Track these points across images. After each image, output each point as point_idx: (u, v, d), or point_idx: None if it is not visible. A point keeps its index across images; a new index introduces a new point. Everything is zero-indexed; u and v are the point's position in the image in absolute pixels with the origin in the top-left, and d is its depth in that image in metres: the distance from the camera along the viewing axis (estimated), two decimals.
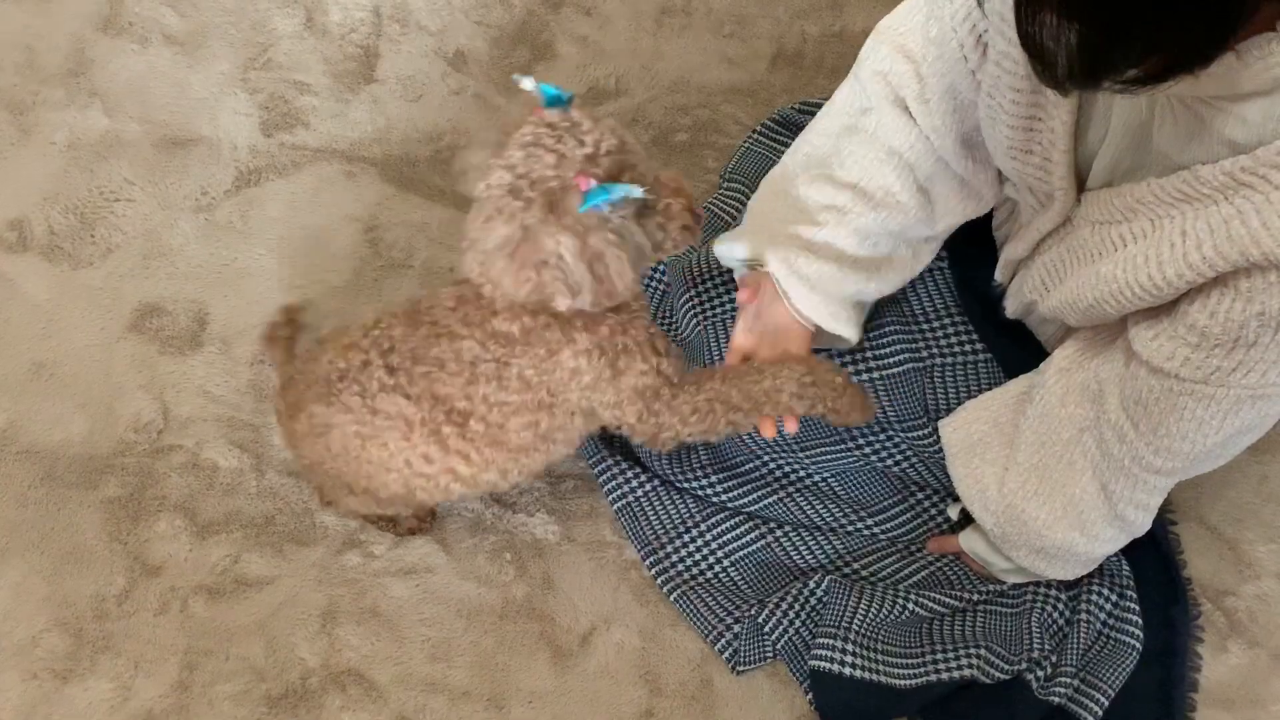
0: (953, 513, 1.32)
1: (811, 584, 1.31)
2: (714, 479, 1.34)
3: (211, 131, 1.62)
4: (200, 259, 1.54)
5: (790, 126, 1.55)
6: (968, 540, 1.28)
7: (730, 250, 1.20)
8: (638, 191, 0.95)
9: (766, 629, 1.29)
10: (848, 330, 1.17)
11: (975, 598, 1.29)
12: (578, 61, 1.67)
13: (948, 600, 1.29)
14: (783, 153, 1.53)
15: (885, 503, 1.35)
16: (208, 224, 1.56)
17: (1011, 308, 1.21)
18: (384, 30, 1.70)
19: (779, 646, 1.30)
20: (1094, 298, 0.93)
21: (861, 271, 1.15)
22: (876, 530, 1.34)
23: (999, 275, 1.21)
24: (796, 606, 1.30)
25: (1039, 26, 0.65)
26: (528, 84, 0.98)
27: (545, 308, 1.02)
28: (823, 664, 1.26)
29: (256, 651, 1.32)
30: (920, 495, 1.34)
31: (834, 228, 1.13)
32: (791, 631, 1.30)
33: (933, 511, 1.35)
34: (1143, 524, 1.10)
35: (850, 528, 1.34)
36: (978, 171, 1.12)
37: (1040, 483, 1.10)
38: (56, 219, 1.55)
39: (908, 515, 1.35)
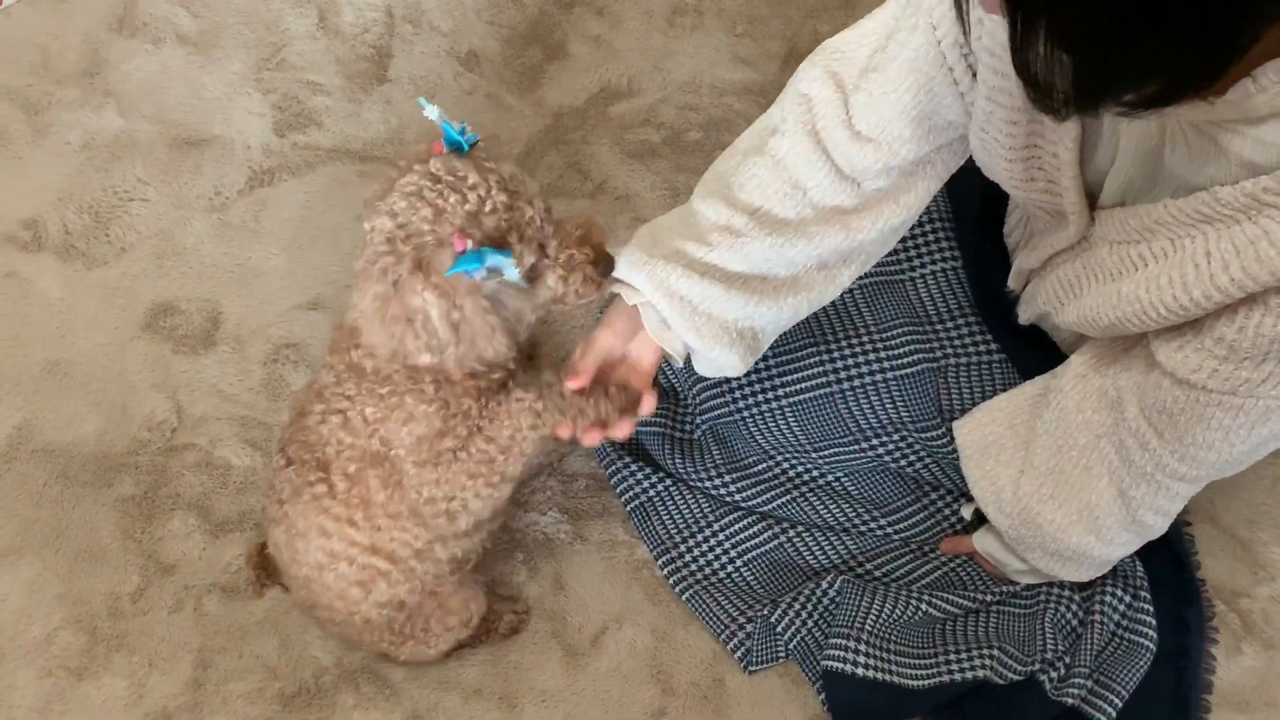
0: (966, 513, 1.32)
1: (824, 584, 1.31)
2: (727, 479, 1.34)
3: (225, 131, 1.62)
4: (214, 258, 1.54)
5: None
6: (981, 541, 1.27)
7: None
8: (512, 271, 0.93)
9: (779, 629, 1.29)
10: (729, 356, 1.09)
11: (988, 598, 1.29)
12: (589, 61, 1.67)
13: (961, 601, 1.29)
14: None
15: (899, 502, 1.34)
16: (221, 224, 1.56)
17: (1025, 315, 1.20)
18: (397, 30, 1.70)
19: (791, 646, 1.30)
20: (1115, 317, 0.92)
21: (752, 294, 1.06)
22: (890, 530, 1.34)
23: (1012, 283, 1.21)
24: (809, 606, 1.30)
25: (1032, 56, 0.64)
26: (431, 113, 0.96)
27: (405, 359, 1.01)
28: (835, 664, 1.26)
29: (270, 650, 1.32)
30: (934, 495, 1.34)
31: (724, 250, 1.05)
32: (804, 631, 1.30)
33: (946, 512, 1.34)
34: (1160, 528, 1.09)
35: (864, 527, 1.34)
36: (916, 189, 1.06)
37: (1056, 486, 1.10)
38: (71, 218, 1.56)
39: (921, 515, 1.34)
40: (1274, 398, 0.86)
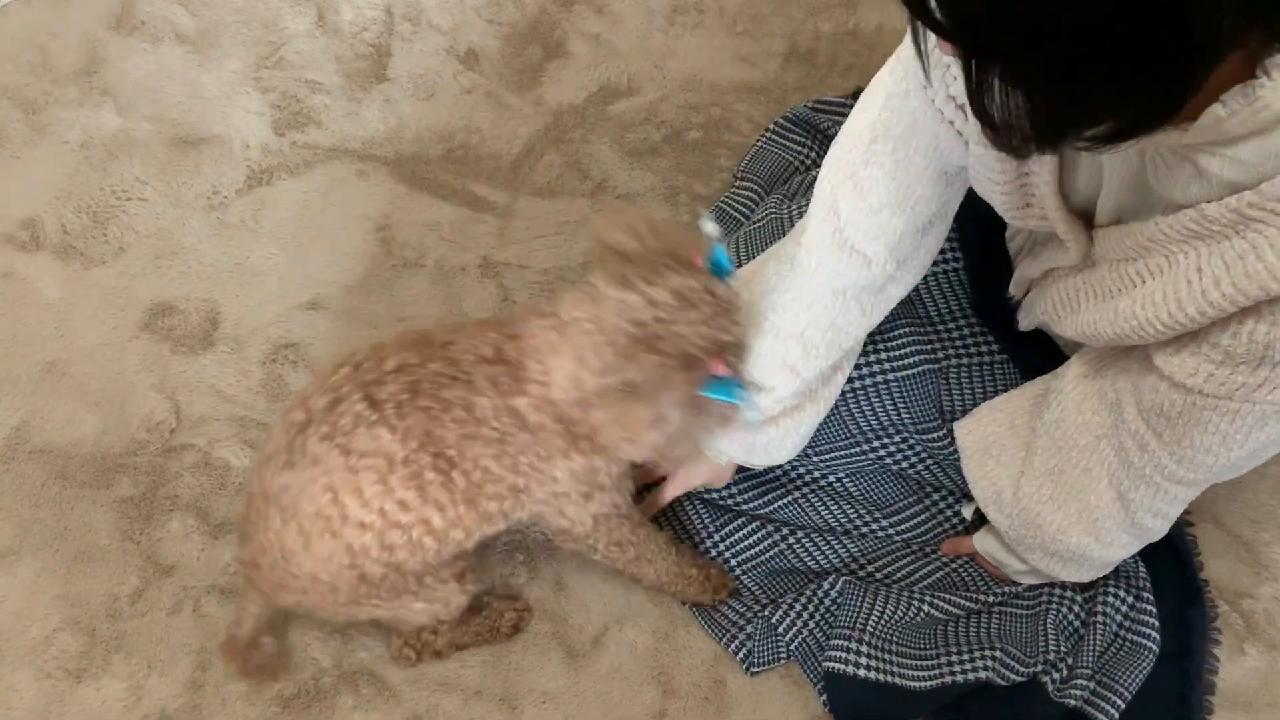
0: (967, 513, 1.31)
1: (825, 585, 1.30)
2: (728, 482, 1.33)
3: (223, 130, 1.62)
4: (212, 258, 1.54)
5: (803, 125, 1.55)
6: (982, 541, 1.27)
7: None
8: (753, 415, 0.99)
9: (780, 630, 1.29)
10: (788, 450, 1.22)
11: (990, 599, 1.28)
12: (589, 60, 1.67)
13: (962, 602, 1.28)
14: (795, 151, 1.53)
15: (900, 504, 1.34)
16: (220, 223, 1.56)
17: (1025, 322, 1.19)
18: (396, 29, 1.69)
19: (793, 647, 1.29)
20: (1114, 334, 0.92)
21: (818, 401, 1.19)
22: (891, 531, 1.34)
23: (1013, 289, 1.20)
24: (810, 608, 1.30)
25: (988, 99, 0.64)
26: (710, 228, 0.97)
27: (572, 419, 1.01)
28: (837, 665, 1.26)
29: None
30: (935, 496, 1.34)
31: (785, 387, 1.15)
32: (805, 633, 1.29)
33: (948, 513, 1.34)
34: (1159, 531, 1.09)
35: (865, 529, 1.34)
36: (929, 241, 1.11)
37: (1055, 488, 1.09)
38: (69, 218, 1.55)
39: (923, 516, 1.34)
40: (1270, 403, 0.86)
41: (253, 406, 1.45)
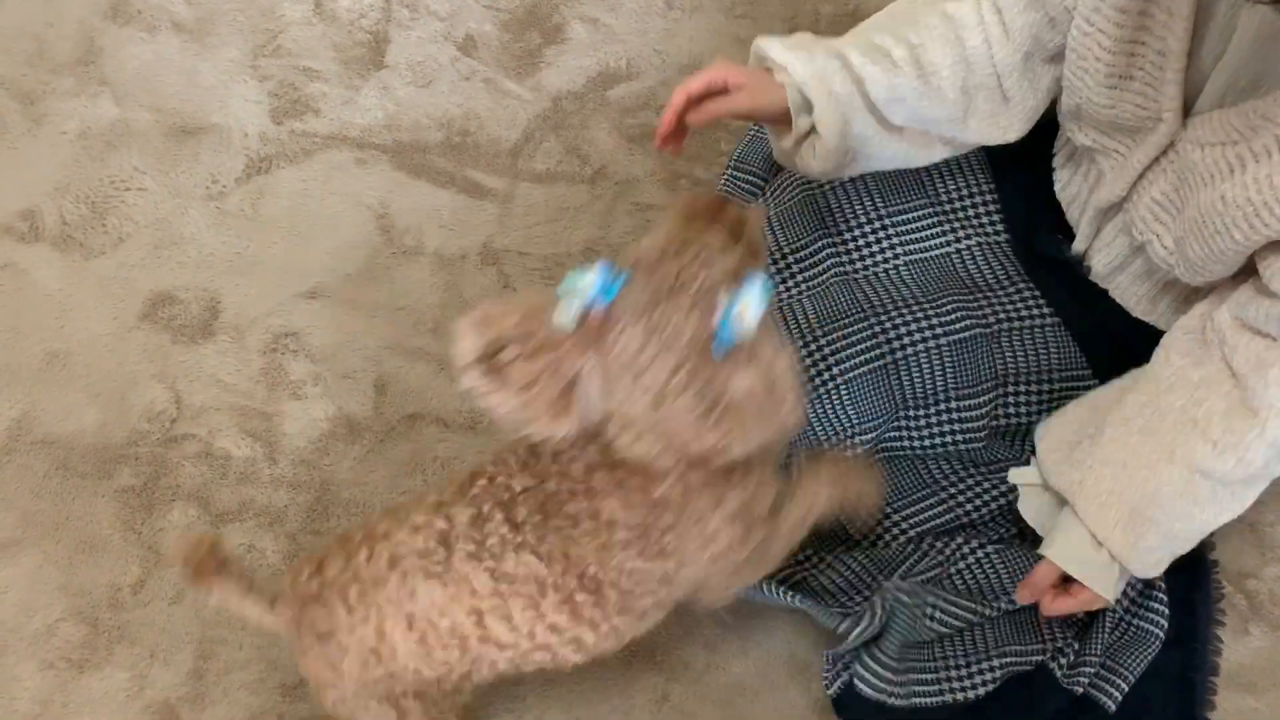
0: (1016, 478, 1.26)
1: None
2: None
3: (221, 119, 1.61)
4: (212, 247, 1.53)
5: None
6: (1064, 542, 1.17)
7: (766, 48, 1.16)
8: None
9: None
10: (824, 162, 1.16)
11: (990, 613, 1.26)
12: (588, 44, 1.66)
13: (962, 613, 1.26)
14: None
15: (913, 495, 1.32)
16: (219, 212, 1.55)
17: (1102, 262, 1.17)
18: (393, 15, 1.69)
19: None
20: (1222, 224, 0.90)
21: (879, 123, 1.15)
22: (905, 524, 1.31)
23: (1084, 231, 1.19)
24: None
25: None
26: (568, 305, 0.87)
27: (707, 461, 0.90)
28: (871, 692, 1.22)
29: (270, 641, 1.31)
30: (952, 490, 1.32)
31: (877, 70, 1.12)
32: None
33: (963, 501, 1.32)
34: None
35: (879, 529, 1.31)
36: (1025, 97, 1.11)
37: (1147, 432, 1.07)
38: (68, 209, 1.55)
39: (940, 509, 1.31)
40: None
41: (253, 395, 1.44)
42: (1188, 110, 0.96)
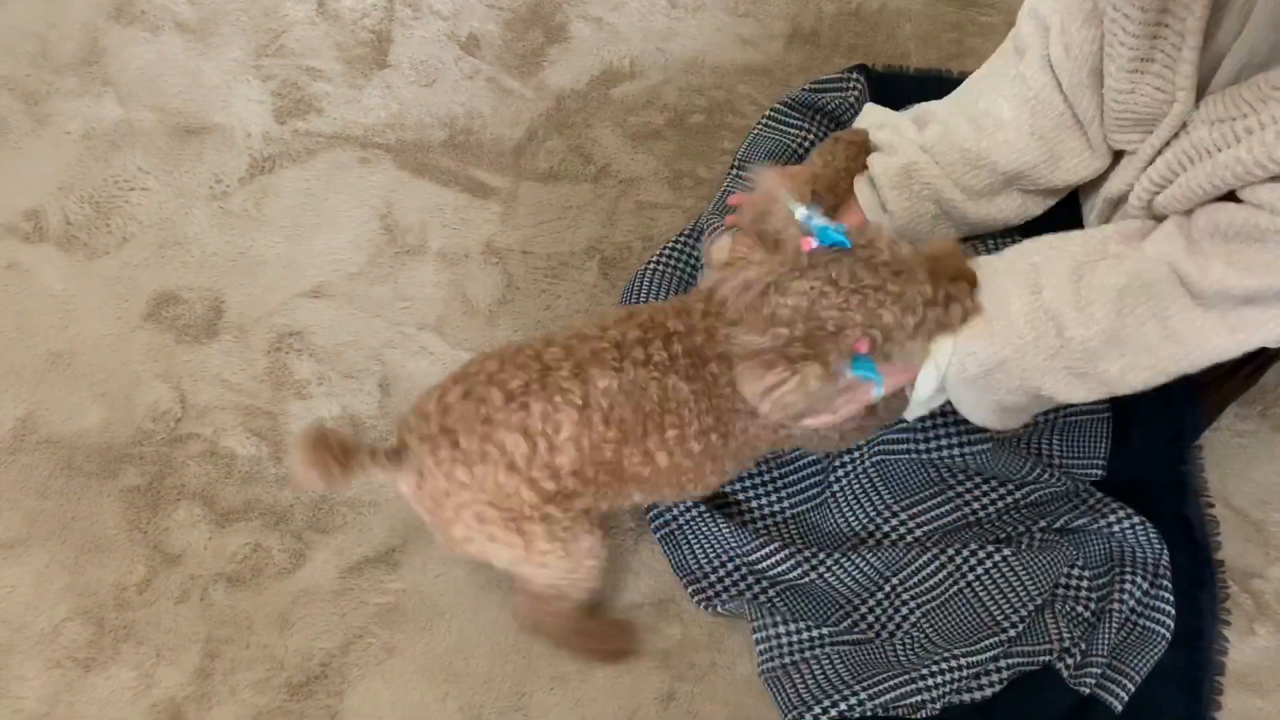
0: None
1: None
2: (761, 476, 1.34)
3: (225, 119, 1.61)
4: (215, 247, 1.53)
5: (801, 108, 1.52)
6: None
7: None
8: (879, 389, 1.00)
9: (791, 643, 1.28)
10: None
11: (1014, 633, 1.26)
12: (591, 43, 1.66)
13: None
14: (793, 134, 1.51)
15: (922, 493, 1.32)
16: (222, 212, 1.55)
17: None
18: (396, 14, 1.68)
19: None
20: (1210, 186, 0.94)
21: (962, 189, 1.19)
22: (911, 524, 1.31)
23: (1092, 221, 1.21)
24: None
25: None
26: (800, 213, 0.98)
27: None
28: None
29: (276, 639, 1.32)
30: (960, 488, 1.32)
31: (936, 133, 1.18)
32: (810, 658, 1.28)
33: (968, 498, 1.32)
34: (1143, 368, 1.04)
35: (885, 526, 1.31)
36: (1095, 115, 1.12)
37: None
38: (72, 209, 1.55)
39: (946, 507, 1.31)
40: None
41: (257, 395, 1.45)
42: (1201, 92, 0.97)
